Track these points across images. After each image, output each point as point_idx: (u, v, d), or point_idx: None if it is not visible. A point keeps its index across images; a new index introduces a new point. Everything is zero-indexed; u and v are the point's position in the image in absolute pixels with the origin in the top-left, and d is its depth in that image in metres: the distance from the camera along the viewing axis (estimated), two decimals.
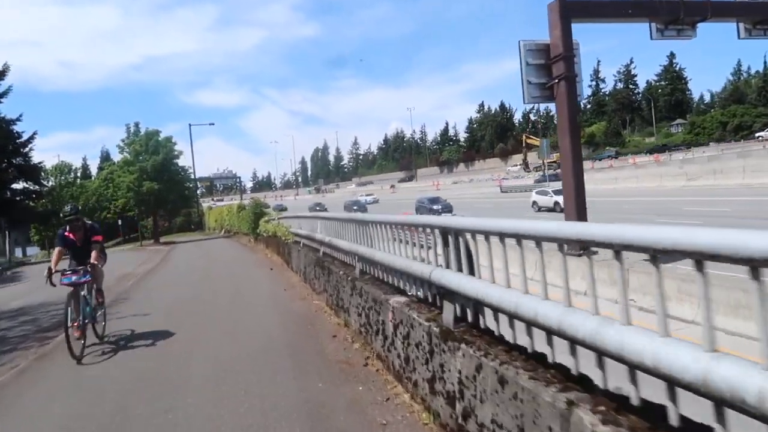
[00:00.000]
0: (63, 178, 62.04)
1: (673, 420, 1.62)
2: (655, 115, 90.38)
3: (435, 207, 34.41)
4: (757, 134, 69.27)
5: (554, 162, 66.96)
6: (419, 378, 3.63)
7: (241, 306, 9.03)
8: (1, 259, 39.42)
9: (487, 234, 2.68)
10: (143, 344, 6.65)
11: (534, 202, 31.24)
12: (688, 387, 1.47)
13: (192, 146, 63.68)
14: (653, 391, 1.70)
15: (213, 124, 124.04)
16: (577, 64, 17.80)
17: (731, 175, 33.47)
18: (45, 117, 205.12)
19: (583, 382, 2.07)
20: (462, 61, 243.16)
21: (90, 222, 6.93)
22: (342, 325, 6.41)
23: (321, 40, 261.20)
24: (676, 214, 22.00)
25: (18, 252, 52.17)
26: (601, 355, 1.85)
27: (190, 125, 52.61)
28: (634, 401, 1.78)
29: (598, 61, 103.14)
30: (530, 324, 2.28)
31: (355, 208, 40.92)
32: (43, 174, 48.82)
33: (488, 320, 2.87)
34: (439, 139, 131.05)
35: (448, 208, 33.80)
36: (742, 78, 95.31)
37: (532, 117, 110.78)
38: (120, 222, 46.99)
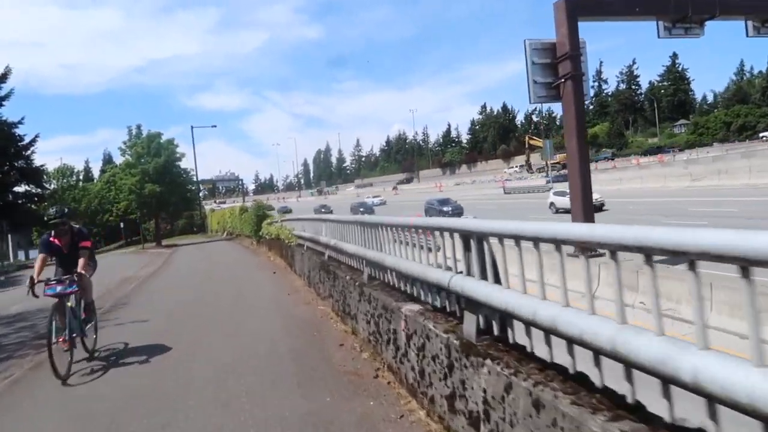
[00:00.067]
0: (65, 181, 62.06)
1: None
2: (658, 115, 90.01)
3: (445, 209, 33.46)
4: (761, 134, 68.88)
5: (557, 163, 66.74)
6: (436, 394, 3.36)
7: (244, 311, 8.78)
8: (3, 262, 39.33)
9: (517, 238, 2.42)
10: (138, 359, 6.06)
11: (551, 203, 30.44)
12: None
13: (194, 148, 63.98)
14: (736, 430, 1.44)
15: (215, 126, 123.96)
16: (584, 63, 17.56)
17: (737, 176, 33.13)
18: (47, 120, 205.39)
19: (637, 411, 1.81)
20: (464, 62, 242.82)
21: (78, 226, 6.36)
22: (349, 333, 6.13)
23: (323, 42, 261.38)
24: (683, 215, 21.70)
25: (21, 255, 52.03)
26: (669, 383, 1.58)
27: (192, 127, 52.64)
28: None
29: (601, 62, 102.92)
30: (572, 341, 2.02)
31: (361, 210, 40.08)
32: (45, 177, 48.82)
33: (518, 335, 2.60)
34: (441, 140, 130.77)
35: (458, 210, 32.93)
36: (745, 78, 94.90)
37: (535, 118, 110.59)
38: (122, 225, 46.84)
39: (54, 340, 5.40)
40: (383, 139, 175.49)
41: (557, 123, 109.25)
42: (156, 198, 39.95)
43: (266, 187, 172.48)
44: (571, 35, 16.42)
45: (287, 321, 7.43)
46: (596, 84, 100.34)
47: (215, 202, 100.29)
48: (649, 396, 1.76)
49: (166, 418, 4.16)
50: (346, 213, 29.60)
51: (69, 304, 5.72)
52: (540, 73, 17.37)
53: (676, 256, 1.53)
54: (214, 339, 6.86)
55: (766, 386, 1.25)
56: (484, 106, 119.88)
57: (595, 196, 28.17)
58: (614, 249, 1.76)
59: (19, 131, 41.50)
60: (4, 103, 40.21)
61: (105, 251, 53.00)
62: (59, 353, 5.45)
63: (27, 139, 42.04)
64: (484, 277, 2.84)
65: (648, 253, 1.62)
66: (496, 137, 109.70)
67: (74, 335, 5.74)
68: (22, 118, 41.68)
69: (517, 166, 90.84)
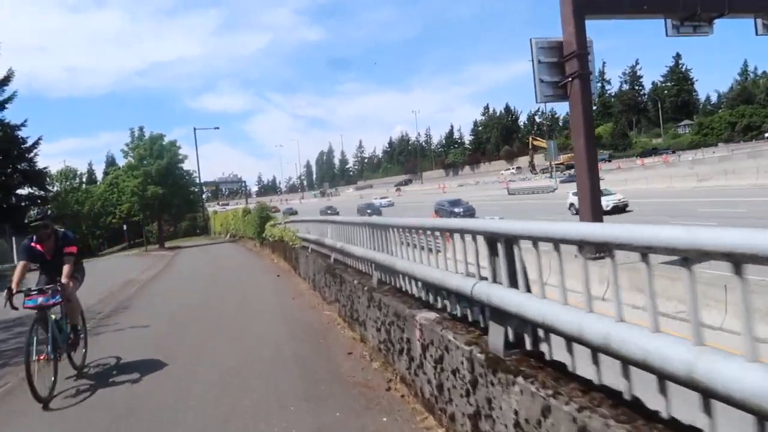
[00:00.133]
0: (68, 183, 62.01)
1: None
2: (662, 116, 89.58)
3: (456, 210, 32.52)
4: (766, 134, 68.41)
5: (561, 164, 66.39)
6: (457, 412, 3.09)
7: (248, 315, 8.52)
8: (6, 265, 39.20)
9: (557, 242, 2.16)
10: (130, 377, 5.36)
11: (571, 204, 28.89)
12: None
13: (197, 150, 63.31)
14: None
15: (218, 128, 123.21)
16: (591, 62, 17.31)
17: (744, 176, 32.79)
18: (51, 123, 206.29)
19: None
20: (466, 63, 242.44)
21: (62, 230, 5.72)
22: (357, 340, 5.84)
23: (325, 44, 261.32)
24: (693, 216, 21.37)
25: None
26: (765, 419, 1.32)
27: (194, 129, 52.64)
28: None
29: (603, 63, 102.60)
30: (629, 363, 1.74)
31: (368, 211, 39.44)
32: (48, 179, 48.79)
33: (556, 351, 2.33)
34: (444, 141, 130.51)
35: (470, 211, 32.06)
36: (749, 78, 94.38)
37: (538, 119, 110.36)
38: (125, 227, 46.75)
39: (34, 357, 4.75)
40: (386, 140, 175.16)
41: (560, 124, 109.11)
42: (158, 200, 39.79)
43: (269, 188, 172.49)
44: (578, 33, 16.15)
45: (292, 327, 7.15)
46: (599, 84, 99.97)
47: (218, 204, 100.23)
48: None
49: None
50: (352, 215, 29.25)
51: (53, 316, 5.15)
52: (546, 72, 17.12)
53: None
54: (218, 344, 6.61)
55: None
56: (486, 107, 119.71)
57: (618, 196, 27.29)
58: (691, 256, 1.48)
59: (22, 134, 41.49)
60: (7, 105, 40.14)
61: (108, 253, 52.95)
62: (41, 372, 4.84)
63: (30, 142, 42.05)
64: (513, 284, 2.57)
65: (741, 261, 1.34)
66: (499, 138, 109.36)
67: (59, 352, 5.16)
68: (25, 121, 41.64)
69: (514, 168, 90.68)
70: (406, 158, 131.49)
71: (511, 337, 2.61)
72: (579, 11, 16.03)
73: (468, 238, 3.08)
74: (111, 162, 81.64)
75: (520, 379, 2.37)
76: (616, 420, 1.80)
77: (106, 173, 72.98)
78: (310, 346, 6.06)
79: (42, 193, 45.41)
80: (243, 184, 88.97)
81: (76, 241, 5.61)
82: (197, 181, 48.74)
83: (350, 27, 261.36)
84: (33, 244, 5.41)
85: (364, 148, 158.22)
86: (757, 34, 19.72)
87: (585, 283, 2.02)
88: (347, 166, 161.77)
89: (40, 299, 5.02)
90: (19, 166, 42.06)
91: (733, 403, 1.36)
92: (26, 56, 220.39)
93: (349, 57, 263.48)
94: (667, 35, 18.69)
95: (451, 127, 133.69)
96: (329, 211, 41.89)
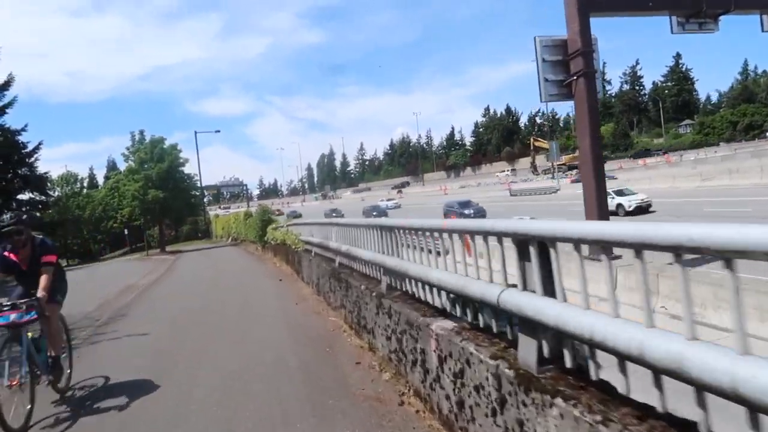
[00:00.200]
0: (69, 188, 61.84)
1: None
2: (663, 116, 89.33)
3: (466, 211, 31.57)
4: None
5: (563, 164, 66.09)
6: None
7: (249, 321, 8.23)
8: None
9: (607, 245, 1.87)
10: (119, 402, 4.77)
11: None
12: None
13: (198, 154, 62.86)
14: None
15: (219, 131, 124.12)
16: (596, 60, 17.09)
17: (748, 175, 32.54)
18: (52, 128, 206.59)
19: None
20: (465, 65, 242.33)
21: (41, 237, 5.03)
22: (366, 349, 5.53)
23: (326, 47, 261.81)
24: (697, 215, 21.10)
25: None
26: None
27: (195, 133, 52.41)
28: None
29: (604, 63, 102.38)
30: (709, 391, 1.46)
31: (374, 213, 38.54)
32: (49, 184, 48.63)
33: (604, 369, 2.05)
34: (444, 143, 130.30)
35: (481, 213, 30.79)
36: (750, 77, 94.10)
37: (538, 120, 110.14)
38: (126, 231, 46.55)
39: (5, 383, 4.14)
40: (387, 142, 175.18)
41: (560, 125, 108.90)
42: (159, 204, 39.58)
43: (270, 192, 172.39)
44: (583, 31, 15.91)
45: (297, 336, 6.81)
46: (600, 85, 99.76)
47: (220, 207, 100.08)
48: None
49: None
50: (357, 217, 28.82)
51: (30, 334, 4.54)
52: (551, 70, 16.88)
53: None
54: (219, 351, 6.33)
55: None
56: (487, 109, 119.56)
57: (641, 196, 26.09)
58: None
59: (22, 138, 41.42)
60: (7, 110, 40.09)
61: (109, 258, 52.74)
62: (13, 400, 4.21)
63: (30, 147, 41.95)
64: (549, 292, 2.30)
65: None
66: (500, 139, 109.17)
67: (37, 375, 4.54)
68: (26, 126, 41.56)
69: (508, 170, 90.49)
70: (407, 160, 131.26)
71: (546, 351, 2.33)
72: (584, 9, 15.80)
73: (492, 240, 2.80)
74: (112, 166, 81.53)
75: (559, 401, 2.09)
76: None
77: (107, 178, 72.75)
78: (316, 354, 5.74)
79: (43, 198, 45.34)
80: (244, 188, 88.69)
81: (55, 250, 4.95)
82: (198, 184, 48.57)
83: (350, 30, 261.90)
84: (6, 253, 4.78)
85: (365, 151, 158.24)
86: (763, 30, 19.49)
87: (645, 293, 1.74)
88: (348, 169, 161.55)
89: (13, 316, 4.38)
90: (19, 171, 41.95)
91: None
92: (27, 61, 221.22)
93: (350, 60, 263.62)
94: (672, 32, 18.46)
95: (452, 128, 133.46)
96: (334, 214, 41.23)
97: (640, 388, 1.89)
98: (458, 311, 3.35)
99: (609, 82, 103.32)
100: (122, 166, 48.08)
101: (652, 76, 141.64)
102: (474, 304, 3.11)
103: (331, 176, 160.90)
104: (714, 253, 1.40)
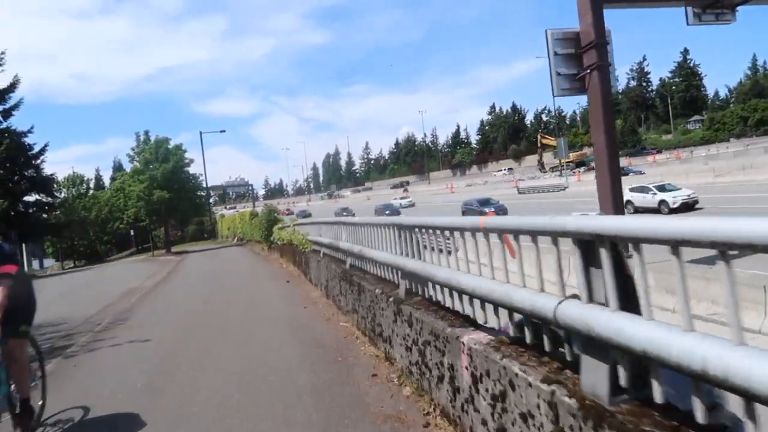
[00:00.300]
0: (75, 189, 61.85)
1: None
2: (671, 112, 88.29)
3: (487, 210, 29.85)
4: None
5: (571, 162, 65.30)
6: None
7: (255, 326, 7.84)
8: None
9: (723, 246, 1.40)
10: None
11: (628, 201, 24.72)
12: None
13: (203, 154, 62.98)
14: None
15: (224, 131, 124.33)
16: (610, 53, 16.59)
17: (763, 170, 31.83)
18: (59, 130, 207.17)
19: None
20: (470, 65, 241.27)
21: None
22: (381, 359, 5.09)
23: (331, 47, 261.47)
24: (713, 212, 20.53)
25: (36, 264, 52.04)
26: None
27: (201, 133, 52.43)
28: None
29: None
30: None
31: (387, 212, 37.60)
32: (55, 186, 48.62)
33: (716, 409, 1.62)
34: (450, 142, 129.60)
35: (502, 210, 28.91)
36: (759, 72, 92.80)
37: (544, 117, 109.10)
38: (132, 232, 46.43)
39: None
40: (392, 141, 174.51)
41: (567, 122, 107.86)
42: (165, 204, 39.39)
43: (276, 191, 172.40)
44: (597, 23, 15.42)
45: (306, 344, 6.33)
46: (615, 78, 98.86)
47: (225, 207, 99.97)
48: None
49: None
50: (367, 216, 28.18)
51: None
52: (563, 64, 16.41)
53: None
54: (223, 352, 5.95)
55: None
56: (493, 107, 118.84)
57: (686, 192, 24.04)
58: None
59: (29, 140, 41.41)
60: (13, 112, 40.13)
61: (116, 259, 52.67)
62: None
63: (37, 148, 41.91)
64: (628, 306, 1.88)
65: None
66: (506, 137, 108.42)
67: None
68: (32, 127, 41.57)
69: (505, 169, 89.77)
70: (413, 159, 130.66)
71: (623, 380, 1.91)
72: (596, 0, 15.33)
73: (545, 241, 2.37)
74: (118, 167, 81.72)
75: None
76: None
77: (113, 179, 72.91)
78: (328, 365, 5.25)
79: (49, 199, 45.32)
80: (250, 188, 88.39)
81: (14, 258, 3.83)
82: (204, 184, 48.41)
83: (356, 30, 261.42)
84: None
85: (371, 150, 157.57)
86: None
87: None
88: (354, 168, 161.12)
89: None
90: (26, 173, 41.96)
91: None
92: (35, 64, 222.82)
93: (355, 60, 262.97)
94: (687, 24, 17.93)
95: (458, 127, 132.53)
96: (344, 213, 40.38)
97: None
98: (491, 320, 2.92)
99: (616, 78, 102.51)
100: (128, 167, 48.04)
101: (658, 73, 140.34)
102: (513, 314, 2.68)
103: (336, 176, 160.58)
104: None
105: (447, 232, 3.56)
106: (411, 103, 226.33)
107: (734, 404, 1.48)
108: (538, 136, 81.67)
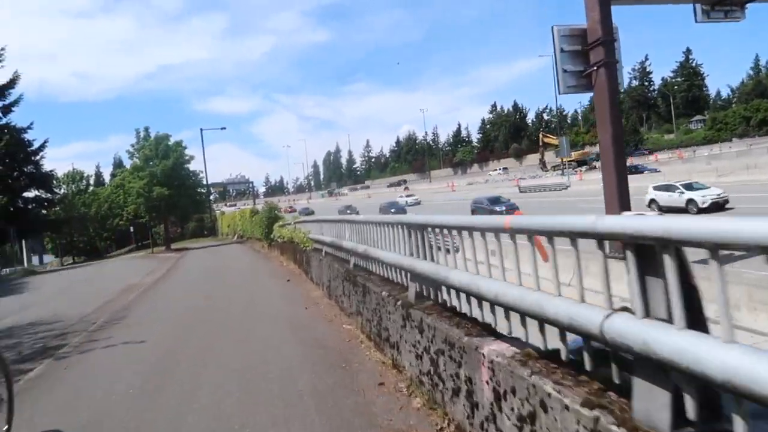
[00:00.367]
0: (75, 185, 61.59)
1: None
2: (673, 111, 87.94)
3: (498, 208, 28.91)
4: None
5: (572, 161, 64.94)
6: None
7: (255, 327, 7.59)
8: (16, 267, 38.79)
9: None
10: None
11: (652, 200, 24.37)
12: None
13: (204, 151, 62.64)
14: None
15: (224, 128, 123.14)
16: (617, 50, 16.34)
17: (766, 170, 31.57)
18: (60, 127, 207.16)
19: None
20: (472, 64, 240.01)
21: None
22: (389, 366, 4.80)
23: (331, 45, 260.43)
24: (745, 212, 20.24)
25: (35, 260, 51.92)
26: None
27: (201, 130, 52.18)
28: None
29: None
30: None
31: (392, 210, 36.59)
32: (55, 182, 48.39)
33: None
34: (451, 140, 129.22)
35: (513, 209, 27.57)
36: (762, 72, 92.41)
37: (546, 116, 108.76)
38: (132, 229, 46.17)
39: None
40: (393, 139, 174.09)
41: (568, 121, 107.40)
42: (165, 201, 39.10)
43: (276, 189, 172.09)
44: (604, 19, 15.17)
45: (308, 349, 6.03)
46: (622, 76, 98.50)
47: (226, 204, 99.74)
48: None
49: None
50: (371, 214, 27.80)
51: None
52: (570, 61, 16.17)
53: None
54: (223, 347, 5.69)
55: None
56: (494, 105, 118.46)
57: (716, 191, 23.19)
58: None
59: (28, 136, 41.21)
60: (13, 109, 39.96)
61: (115, 255, 52.44)
62: None
63: (36, 145, 41.70)
64: (694, 324, 1.60)
65: None
66: (508, 136, 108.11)
67: None
68: (31, 124, 41.42)
69: (500, 169, 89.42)
70: (414, 157, 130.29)
71: (690, 411, 1.63)
72: None
73: (584, 243, 2.09)
74: (118, 164, 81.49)
75: None
76: None
77: (113, 175, 72.59)
78: (331, 373, 4.93)
79: (49, 195, 45.12)
80: (250, 185, 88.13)
81: None
82: (204, 181, 48.11)
83: (356, 29, 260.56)
84: None
85: (372, 148, 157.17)
86: None
87: None
88: (354, 166, 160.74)
89: None
90: (25, 169, 41.74)
91: None
92: (37, 63, 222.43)
93: (356, 59, 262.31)
94: (696, 21, 17.69)
95: (459, 125, 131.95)
96: (348, 211, 39.73)
97: None
98: (522, 334, 2.64)
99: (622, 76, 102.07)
100: (128, 163, 47.73)
101: (660, 72, 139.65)
102: (543, 326, 2.40)
103: (337, 174, 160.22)
104: None
105: (465, 233, 3.28)
106: (412, 102, 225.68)
107: None
108: (540, 135, 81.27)
